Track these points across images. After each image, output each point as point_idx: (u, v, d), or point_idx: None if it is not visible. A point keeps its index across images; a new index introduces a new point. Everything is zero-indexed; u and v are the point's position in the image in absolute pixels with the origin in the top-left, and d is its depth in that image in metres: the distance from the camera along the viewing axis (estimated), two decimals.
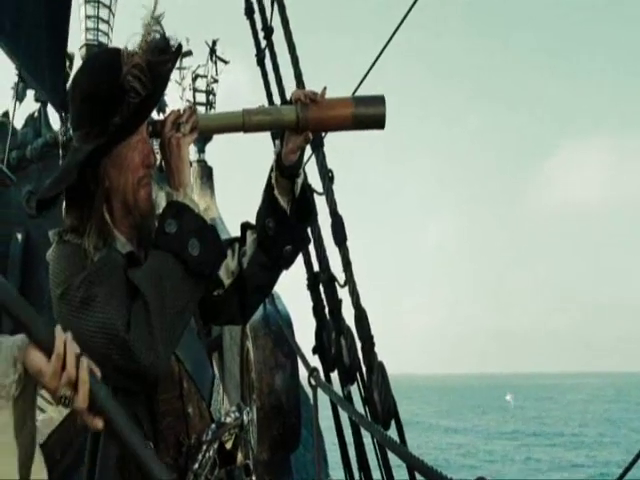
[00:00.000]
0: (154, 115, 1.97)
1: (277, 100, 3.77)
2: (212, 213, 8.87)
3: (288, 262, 2.02)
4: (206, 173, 9.82)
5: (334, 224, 3.04)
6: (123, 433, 1.30)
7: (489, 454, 38.11)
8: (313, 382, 2.81)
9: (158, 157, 1.85)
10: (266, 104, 3.86)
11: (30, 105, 9.76)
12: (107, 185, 1.77)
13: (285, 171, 1.92)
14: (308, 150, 2.29)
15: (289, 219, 1.94)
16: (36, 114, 9.70)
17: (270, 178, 1.96)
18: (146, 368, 1.55)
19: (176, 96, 10.90)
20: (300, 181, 1.95)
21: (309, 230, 2.18)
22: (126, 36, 1.79)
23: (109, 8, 9.15)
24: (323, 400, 2.81)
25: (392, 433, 2.32)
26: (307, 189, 2.00)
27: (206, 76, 10.92)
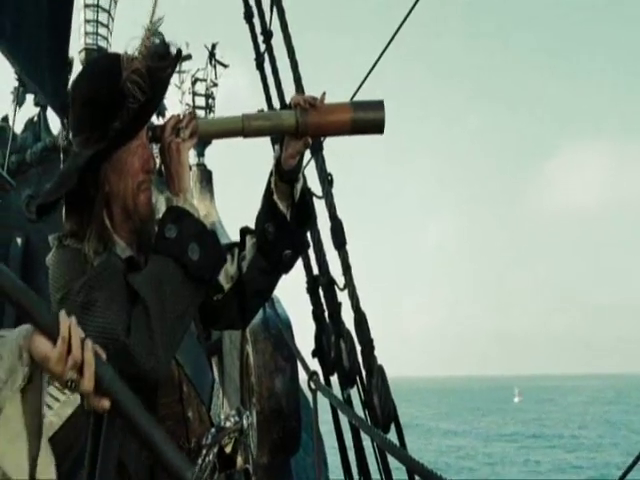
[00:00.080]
0: (154, 119, 1.98)
1: (276, 104, 3.78)
2: (212, 217, 8.87)
3: (287, 267, 2.02)
4: (205, 177, 9.81)
5: (333, 228, 3.05)
6: (131, 413, 1.30)
7: (488, 456, 38.07)
8: (313, 386, 2.81)
9: (158, 162, 1.86)
10: (265, 108, 3.87)
11: (30, 109, 9.78)
12: (107, 190, 1.77)
13: (284, 176, 1.93)
14: (307, 154, 2.30)
15: (289, 224, 1.94)
16: (36, 118, 9.70)
17: (269, 183, 1.96)
18: (146, 372, 1.56)
19: (175, 100, 10.91)
20: (299, 186, 1.96)
21: (308, 234, 2.19)
22: (125, 40, 1.80)
23: (108, 12, 9.15)
24: (323, 404, 2.81)
25: (392, 436, 2.32)
26: (307, 193, 2.00)
27: (205, 80, 10.92)
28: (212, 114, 10.78)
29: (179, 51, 1.81)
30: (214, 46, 10.95)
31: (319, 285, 3.31)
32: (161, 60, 1.75)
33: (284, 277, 2.07)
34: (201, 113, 10.57)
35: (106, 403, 1.30)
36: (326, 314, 3.26)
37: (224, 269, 1.94)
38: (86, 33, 9.04)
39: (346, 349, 2.95)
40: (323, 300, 3.30)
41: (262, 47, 3.99)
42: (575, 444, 43.38)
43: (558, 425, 54.94)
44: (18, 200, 8.38)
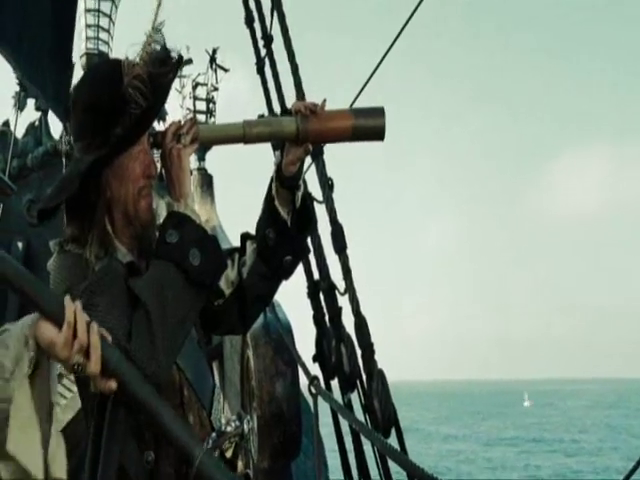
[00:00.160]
0: (155, 124, 1.98)
1: (277, 108, 3.79)
2: (212, 221, 8.87)
3: (288, 272, 2.03)
4: (206, 181, 9.83)
5: (334, 232, 3.06)
6: (139, 394, 1.31)
7: (489, 461, 38.00)
8: (313, 390, 2.81)
9: (158, 167, 1.86)
10: (266, 112, 3.88)
11: (31, 114, 9.80)
12: (108, 195, 1.78)
13: (285, 182, 1.93)
14: (308, 159, 2.31)
15: (289, 230, 1.95)
16: (37, 123, 9.72)
17: (270, 188, 1.96)
18: (147, 377, 1.56)
19: (176, 104, 10.93)
20: (300, 193, 1.96)
21: (309, 239, 2.19)
22: (126, 45, 1.81)
23: (109, 17, 9.19)
24: (323, 408, 2.81)
25: (392, 441, 2.32)
26: (307, 198, 2.01)
27: (206, 84, 10.94)
28: (213, 118, 10.80)
29: (180, 57, 1.81)
30: (215, 50, 10.98)
31: (320, 290, 3.32)
32: (162, 66, 1.76)
33: (285, 282, 2.08)
34: (202, 117, 10.59)
35: (113, 384, 1.31)
36: (327, 318, 3.27)
37: (225, 274, 1.94)
38: (87, 38, 9.08)
39: (347, 353, 2.96)
40: (324, 304, 3.30)
41: (263, 52, 4.01)
42: (575, 448, 43.31)
43: (558, 429, 54.85)
44: (19, 204, 8.39)
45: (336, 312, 3.17)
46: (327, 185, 3.15)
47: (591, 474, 33.13)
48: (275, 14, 3.72)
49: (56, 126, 9.62)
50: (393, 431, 2.64)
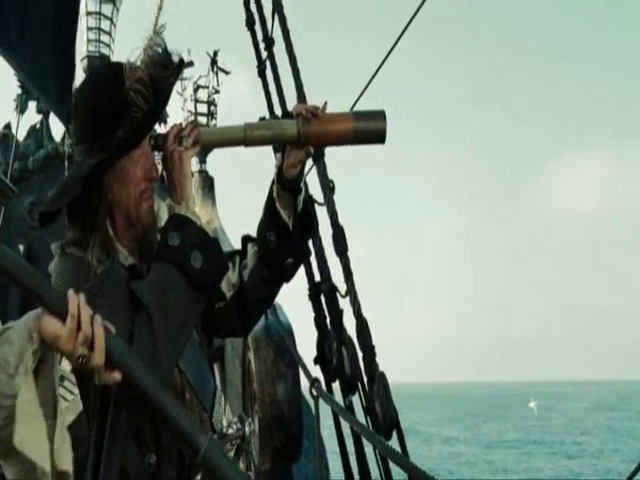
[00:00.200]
0: (156, 127, 1.99)
1: (278, 111, 3.79)
2: (213, 223, 8.88)
3: (289, 275, 2.03)
4: (207, 183, 9.84)
5: (335, 234, 3.05)
6: (143, 384, 1.31)
7: (490, 463, 37.96)
8: (315, 392, 2.81)
9: (160, 170, 1.87)
10: (267, 115, 3.88)
11: (32, 117, 9.81)
12: (110, 199, 1.78)
13: (286, 185, 1.94)
14: (309, 161, 2.31)
15: (291, 233, 1.95)
16: (38, 125, 9.74)
17: (272, 191, 1.97)
18: None
19: (177, 107, 10.95)
20: (302, 197, 1.97)
21: (310, 241, 2.19)
22: (128, 47, 1.81)
23: (110, 20, 9.20)
24: (325, 410, 2.81)
25: (394, 443, 2.32)
26: (308, 201, 2.01)
27: (207, 87, 10.96)
28: (214, 121, 10.82)
29: (181, 60, 1.81)
30: (216, 53, 11.00)
31: (321, 292, 3.31)
32: (164, 69, 1.76)
33: (286, 284, 2.08)
34: (203, 120, 10.61)
35: (117, 375, 1.31)
36: (328, 321, 3.26)
37: (226, 277, 1.94)
38: (88, 40, 9.09)
39: (348, 356, 2.96)
40: (325, 307, 3.30)
41: (264, 54, 4.01)
42: (577, 451, 43.25)
43: (560, 432, 54.78)
44: (20, 207, 8.40)
45: (337, 314, 3.17)
46: (328, 187, 3.15)
47: (592, 476, 33.06)
48: (276, 17, 3.72)
49: (57, 129, 9.65)
50: (394, 433, 2.63)
